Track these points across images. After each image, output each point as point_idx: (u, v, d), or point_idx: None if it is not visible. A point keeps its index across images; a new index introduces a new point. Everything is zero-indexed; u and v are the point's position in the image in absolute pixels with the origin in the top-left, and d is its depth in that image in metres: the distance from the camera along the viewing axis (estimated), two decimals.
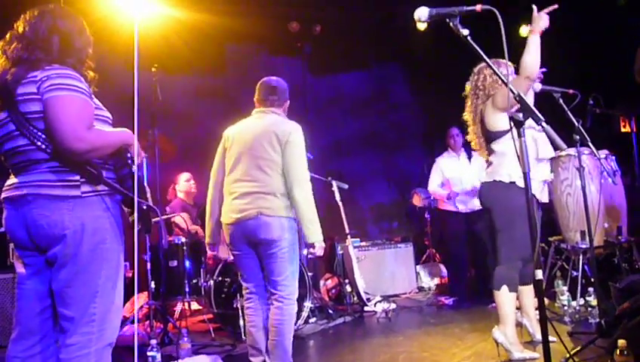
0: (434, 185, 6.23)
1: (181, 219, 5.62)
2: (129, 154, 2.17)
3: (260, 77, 3.64)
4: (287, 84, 3.60)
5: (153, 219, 2.12)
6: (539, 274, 1.95)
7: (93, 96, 2.19)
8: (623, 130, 7.09)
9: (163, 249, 4.70)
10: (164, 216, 5.06)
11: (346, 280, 5.92)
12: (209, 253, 5.18)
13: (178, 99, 6.02)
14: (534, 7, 3.29)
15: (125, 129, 2.26)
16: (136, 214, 2.10)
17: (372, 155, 7.82)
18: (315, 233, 3.30)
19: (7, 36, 2.19)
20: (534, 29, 3.29)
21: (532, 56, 3.27)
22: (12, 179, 2.12)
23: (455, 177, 6.06)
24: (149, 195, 2.18)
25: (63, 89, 2.01)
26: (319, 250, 3.35)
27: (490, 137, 3.62)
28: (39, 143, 2.02)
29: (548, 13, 3.27)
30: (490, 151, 3.65)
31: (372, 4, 6.66)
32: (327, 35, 7.13)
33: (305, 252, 4.56)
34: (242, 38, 6.49)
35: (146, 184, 2.22)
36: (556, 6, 3.23)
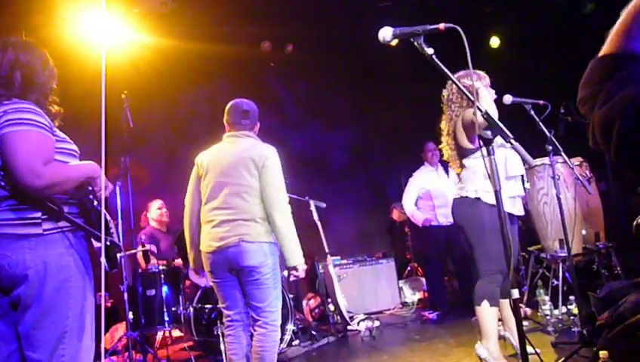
0: (410, 203, 6.14)
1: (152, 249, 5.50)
2: (91, 188, 2.10)
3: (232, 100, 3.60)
4: (257, 107, 3.55)
5: (118, 255, 2.06)
6: (515, 293, 1.93)
7: (55, 129, 2.13)
8: None
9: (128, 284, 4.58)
10: (130, 252, 4.91)
11: (329, 300, 5.87)
12: (194, 278, 5.10)
13: (150, 125, 5.95)
14: None
15: (90, 161, 2.20)
16: (103, 249, 2.04)
17: (349, 171, 7.80)
18: (296, 256, 3.27)
19: None
20: None
21: None
22: None
23: (437, 189, 6.06)
24: (112, 230, 2.12)
25: (20, 124, 1.95)
26: (302, 272, 3.33)
27: (461, 153, 3.64)
28: None
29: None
30: (462, 166, 3.66)
31: (344, 22, 6.69)
32: (299, 54, 7.15)
33: (286, 273, 4.51)
34: (213, 62, 6.45)
35: (109, 218, 2.15)
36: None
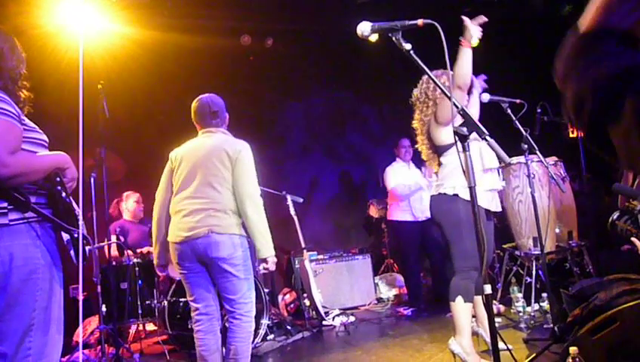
0: (394, 182, 6.16)
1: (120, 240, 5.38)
2: (58, 179, 2.05)
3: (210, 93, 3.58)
4: (221, 99, 3.55)
5: (87, 248, 2.01)
6: (488, 289, 1.94)
7: (24, 118, 2.07)
8: (571, 135, 7.29)
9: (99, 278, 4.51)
10: (100, 244, 4.81)
11: (304, 295, 5.87)
12: (160, 274, 5.03)
13: (127, 116, 5.86)
14: (464, 18, 3.31)
15: (60, 152, 2.15)
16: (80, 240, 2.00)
17: (326, 167, 7.80)
18: (267, 248, 3.26)
19: None
20: (464, 41, 3.30)
21: (462, 68, 3.31)
22: None
23: (407, 185, 6.08)
24: (81, 221, 2.07)
25: None
26: (272, 264, 3.31)
27: (436, 151, 3.65)
28: None
29: (483, 25, 3.30)
30: (439, 163, 3.67)
31: (324, 17, 6.67)
32: (279, 48, 7.10)
33: (262, 267, 4.48)
34: (192, 53, 6.37)
35: (77, 207, 2.10)
36: (486, 19, 3.26)
